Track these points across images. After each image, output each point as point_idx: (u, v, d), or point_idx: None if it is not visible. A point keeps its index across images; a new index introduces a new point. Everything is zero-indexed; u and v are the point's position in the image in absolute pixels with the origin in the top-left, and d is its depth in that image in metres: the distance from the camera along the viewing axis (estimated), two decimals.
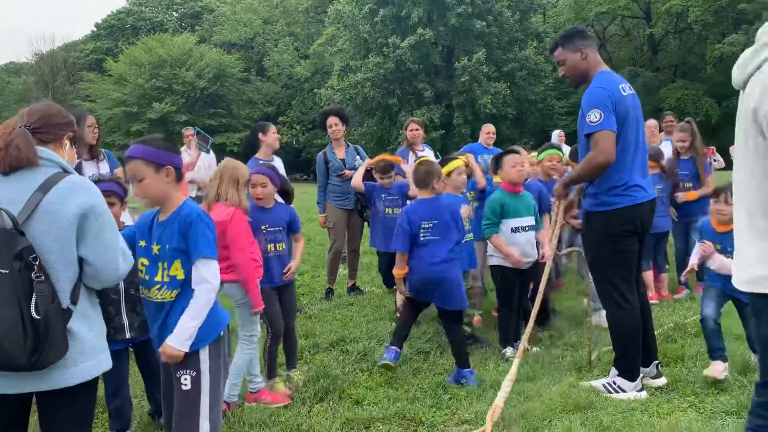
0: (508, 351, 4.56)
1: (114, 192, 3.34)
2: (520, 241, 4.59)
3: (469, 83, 29.28)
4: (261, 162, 5.61)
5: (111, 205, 3.17)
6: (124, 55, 39.86)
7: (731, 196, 3.47)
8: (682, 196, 5.86)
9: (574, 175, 3.83)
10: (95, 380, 2.28)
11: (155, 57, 38.36)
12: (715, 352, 3.85)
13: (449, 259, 4.18)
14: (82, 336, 2.18)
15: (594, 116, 3.53)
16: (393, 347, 4.25)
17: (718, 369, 3.76)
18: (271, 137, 5.77)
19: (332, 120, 6.32)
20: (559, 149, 5.55)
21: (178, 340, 2.48)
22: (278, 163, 5.93)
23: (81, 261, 2.19)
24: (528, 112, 32.34)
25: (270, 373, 4.08)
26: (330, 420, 3.60)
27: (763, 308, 2.05)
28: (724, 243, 3.78)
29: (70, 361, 2.15)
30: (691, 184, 5.94)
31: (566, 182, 3.91)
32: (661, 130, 7.60)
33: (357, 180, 5.66)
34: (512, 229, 4.60)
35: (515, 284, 4.67)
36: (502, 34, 30.81)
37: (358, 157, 6.47)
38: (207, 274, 2.52)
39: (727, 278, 3.75)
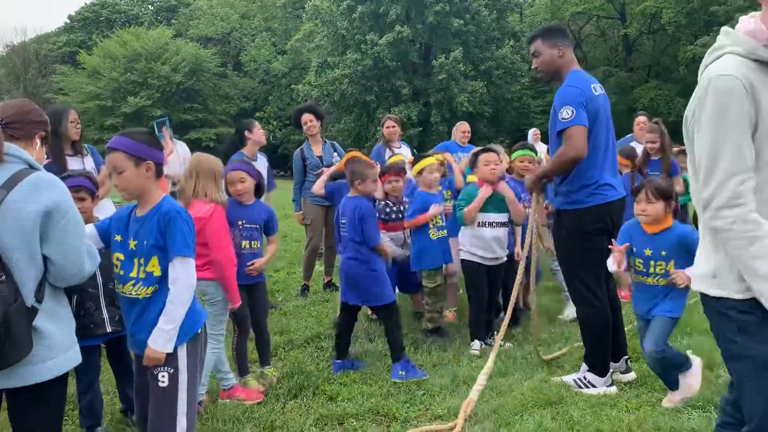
0: (475, 345, 4.61)
1: (84, 187, 3.30)
2: (485, 236, 4.67)
3: (446, 81, 29.36)
4: (237, 158, 5.60)
5: (81, 200, 3.15)
6: (98, 48, 39.19)
7: (653, 193, 3.41)
8: None
9: (547, 169, 3.87)
10: (65, 376, 2.27)
11: (130, 50, 37.80)
12: (669, 384, 3.58)
13: (355, 257, 4.29)
14: (49, 333, 2.16)
15: (566, 113, 3.57)
16: (337, 361, 4.36)
17: (674, 399, 3.53)
18: (257, 134, 5.83)
19: (306, 117, 6.31)
20: (533, 149, 5.60)
21: (158, 343, 2.47)
22: (262, 160, 5.94)
23: (45, 259, 2.16)
24: (504, 110, 32.53)
25: (241, 370, 4.07)
26: (304, 416, 3.61)
27: (705, 307, 2.05)
28: (655, 246, 3.51)
29: (38, 357, 2.13)
30: None
31: (539, 176, 3.94)
32: (631, 131, 7.70)
33: (318, 186, 5.51)
34: (479, 223, 4.68)
35: (484, 279, 4.73)
36: (479, 32, 30.93)
37: (335, 154, 6.47)
38: (183, 273, 2.50)
39: (639, 303, 3.62)
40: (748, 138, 1.85)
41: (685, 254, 3.36)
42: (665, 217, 3.50)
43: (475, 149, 5.22)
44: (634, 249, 3.56)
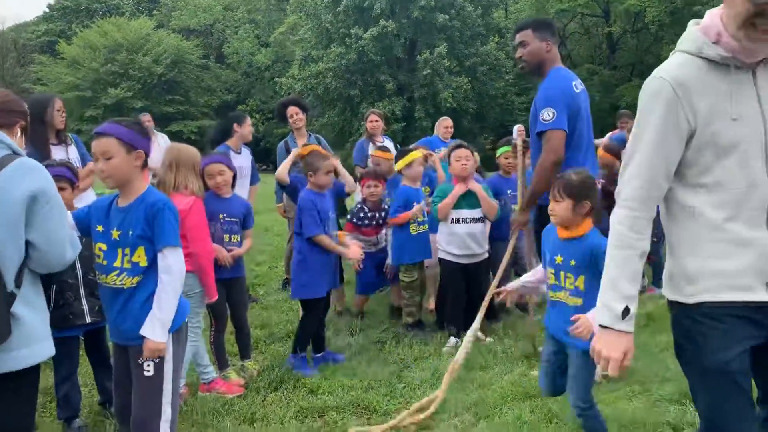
0: (451, 342, 4.62)
1: (64, 176, 3.27)
2: (458, 231, 4.71)
3: (430, 77, 29.37)
4: (222, 150, 5.57)
5: (61, 189, 3.11)
6: (77, 38, 38.64)
7: (560, 190, 2.81)
8: None
9: (533, 189, 3.80)
10: (38, 367, 2.25)
11: (111, 41, 37.33)
12: None
13: (298, 249, 4.32)
14: (26, 321, 2.15)
15: (547, 114, 3.59)
16: (315, 355, 4.38)
17: None
18: (246, 129, 5.78)
19: (292, 110, 6.27)
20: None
21: (157, 333, 2.47)
22: (246, 153, 5.91)
23: (27, 245, 2.14)
24: (488, 107, 32.62)
25: (220, 363, 4.06)
26: (284, 409, 3.61)
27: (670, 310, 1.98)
28: (566, 253, 2.86)
29: (14, 344, 2.11)
30: None
31: (527, 204, 3.88)
32: (615, 128, 7.78)
33: (282, 172, 5.22)
34: (453, 219, 4.71)
35: (460, 277, 4.75)
36: (464, 28, 30.97)
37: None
38: (175, 262, 2.52)
39: (551, 321, 2.94)
40: (666, 147, 1.77)
41: (594, 268, 2.71)
42: (579, 221, 2.84)
43: (451, 145, 5.24)
44: (548, 255, 2.98)
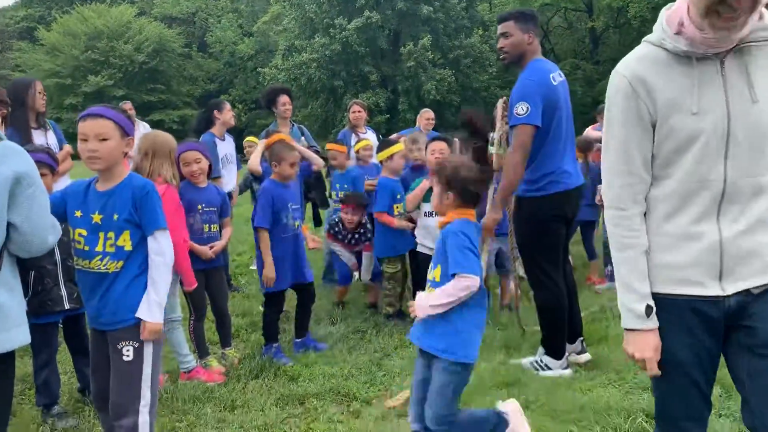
0: None
1: (44, 162, 3.25)
2: (431, 224, 4.60)
3: (414, 69, 29.37)
4: (206, 138, 5.56)
5: (42, 175, 3.09)
6: (57, 24, 38.13)
7: (434, 176, 2.69)
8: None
9: (505, 186, 3.71)
10: (13, 353, 2.24)
11: (91, 28, 36.86)
12: None
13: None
14: (3, 304, 2.14)
15: (521, 109, 3.61)
16: (297, 340, 4.40)
17: None
18: (226, 115, 5.79)
19: (285, 98, 6.22)
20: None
21: (154, 315, 2.52)
22: (230, 140, 5.91)
23: (9, 228, 2.14)
24: (472, 99, 32.68)
25: (201, 352, 4.07)
26: (265, 396, 3.63)
27: None
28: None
29: None
30: None
31: (498, 203, 3.70)
32: (596, 121, 7.85)
33: (254, 162, 5.14)
34: (425, 213, 4.70)
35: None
36: (448, 20, 30.98)
37: (303, 137, 6.44)
38: (166, 245, 2.58)
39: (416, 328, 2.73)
40: (635, 140, 1.78)
41: (444, 258, 2.60)
42: (444, 210, 2.68)
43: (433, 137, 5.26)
44: None
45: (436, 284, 2.62)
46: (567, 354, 3.95)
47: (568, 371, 3.88)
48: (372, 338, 4.60)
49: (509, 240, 4.55)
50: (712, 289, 1.76)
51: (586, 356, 4.04)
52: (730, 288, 1.75)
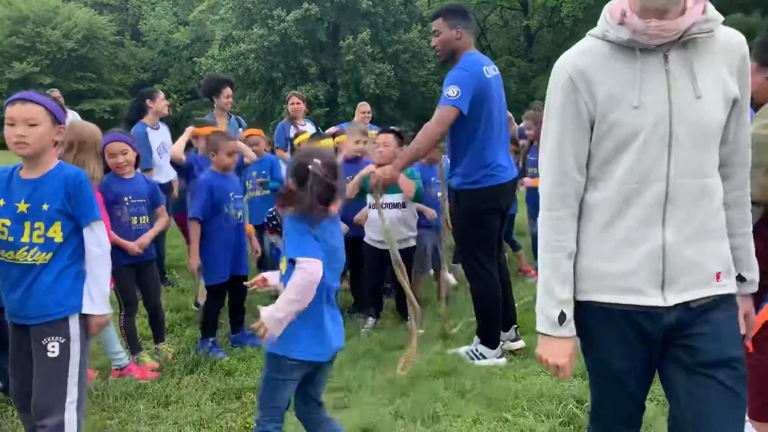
0: (369, 322, 4.71)
1: None
2: (375, 216, 4.55)
3: (353, 62, 29.30)
4: (138, 129, 5.40)
5: None
6: None
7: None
8: (526, 182, 6.04)
9: (411, 151, 3.81)
10: None
11: (15, 12, 35.08)
12: None
13: None
14: None
15: (452, 91, 3.66)
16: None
17: None
18: (159, 104, 5.64)
19: (230, 90, 6.09)
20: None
21: (99, 307, 2.49)
22: (164, 129, 5.74)
23: None
24: (411, 94, 32.88)
25: (132, 348, 3.96)
26: (200, 391, 3.57)
27: None
28: None
29: None
30: (536, 170, 6.16)
31: (402, 163, 3.83)
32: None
33: (177, 150, 4.89)
34: (370, 205, 4.67)
35: (381, 264, 4.67)
36: (387, 15, 31.02)
37: (241, 129, 6.34)
38: (103, 236, 2.53)
39: None
40: (571, 138, 1.69)
41: None
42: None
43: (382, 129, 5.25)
44: None
45: (284, 278, 2.41)
46: (502, 342, 4.04)
47: (502, 360, 3.98)
48: None
49: (439, 234, 4.63)
50: (654, 299, 1.66)
51: (519, 343, 4.16)
52: (672, 298, 1.66)
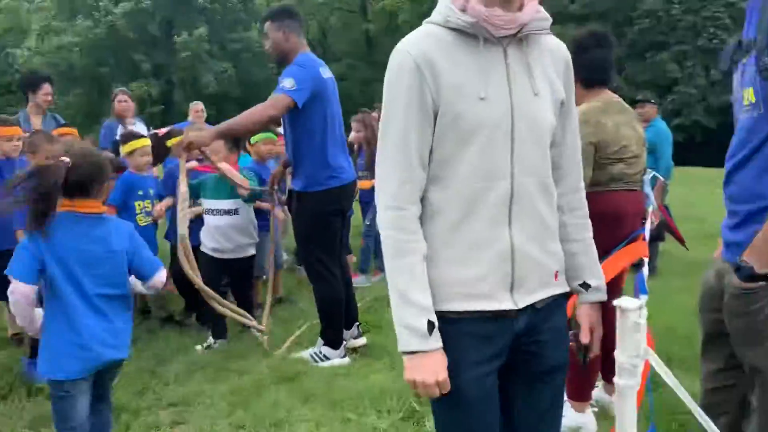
0: (210, 340, 4.45)
1: None
2: (209, 223, 4.43)
3: (190, 59, 28.25)
4: None
5: None
6: None
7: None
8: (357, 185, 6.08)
9: (233, 124, 3.78)
10: None
11: None
12: None
13: None
14: None
15: (288, 83, 3.64)
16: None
17: None
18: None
19: (49, 88, 5.57)
20: (274, 133, 5.57)
21: None
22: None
23: None
24: (253, 93, 32.32)
25: None
26: (16, 418, 3.24)
27: None
28: None
29: None
30: (366, 173, 6.13)
31: (219, 133, 3.80)
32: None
33: None
34: (205, 210, 4.47)
35: (218, 273, 4.44)
36: (225, 12, 30.27)
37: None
38: None
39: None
40: (415, 127, 1.53)
41: None
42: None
43: None
44: None
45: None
46: (345, 342, 4.07)
47: (346, 360, 4.01)
48: (143, 346, 4.31)
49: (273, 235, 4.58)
50: (505, 303, 1.55)
51: (362, 340, 4.23)
52: (521, 301, 1.57)
